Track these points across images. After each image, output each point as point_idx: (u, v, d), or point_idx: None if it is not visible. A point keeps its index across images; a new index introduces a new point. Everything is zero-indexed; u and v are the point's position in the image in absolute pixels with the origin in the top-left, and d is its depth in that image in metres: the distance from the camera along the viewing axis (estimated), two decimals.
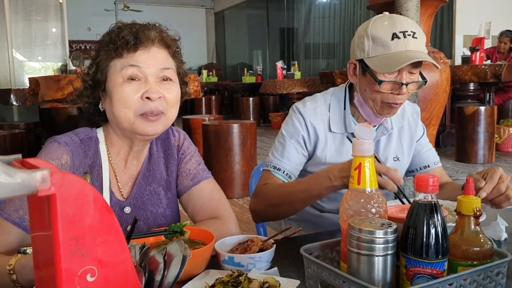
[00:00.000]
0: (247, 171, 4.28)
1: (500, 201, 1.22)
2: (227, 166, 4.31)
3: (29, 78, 4.29)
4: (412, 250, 0.79)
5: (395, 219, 0.85)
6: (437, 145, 5.98)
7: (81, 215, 0.56)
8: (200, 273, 0.97)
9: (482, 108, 5.42)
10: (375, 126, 1.47)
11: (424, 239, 0.78)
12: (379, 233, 0.77)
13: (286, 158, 1.45)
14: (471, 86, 6.63)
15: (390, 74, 1.32)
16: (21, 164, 0.58)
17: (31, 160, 0.59)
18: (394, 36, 1.29)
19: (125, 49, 1.11)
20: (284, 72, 9.33)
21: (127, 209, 1.19)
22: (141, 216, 1.20)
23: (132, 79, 1.10)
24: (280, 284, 0.88)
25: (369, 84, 1.36)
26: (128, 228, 1.12)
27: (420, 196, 0.80)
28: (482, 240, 0.83)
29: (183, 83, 1.23)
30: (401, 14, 3.47)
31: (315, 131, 1.46)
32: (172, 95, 1.15)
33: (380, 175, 1.10)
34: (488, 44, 6.96)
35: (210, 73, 12.75)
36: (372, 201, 0.85)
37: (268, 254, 1.00)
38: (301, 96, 8.44)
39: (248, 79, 11.16)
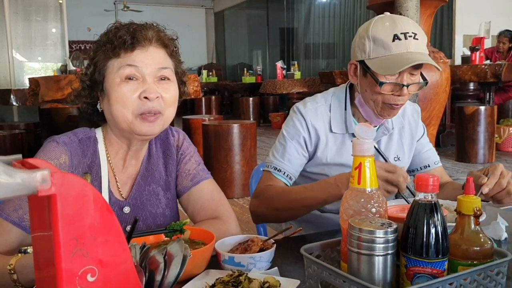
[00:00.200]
0: (247, 171, 4.28)
1: (502, 197, 1.23)
2: (227, 166, 4.31)
3: (29, 79, 4.28)
4: (412, 250, 0.79)
5: (395, 219, 0.85)
6: (437, 145, 5.97)
7: (81, 215, 0.56)
8: (200, 273, 0.97)
9: (482, 108, 5.42)
10: (376, 126, 1.47)
11: (424, 239, 0.78)
12: (380, 233, 0.77)
13: (287, 159, 1.45)
14: (471, 85, 6.64)
15: (391, 75, 1.31)
16: (21, 164, 0.58)
17: (31, 160, 0.59)
18: (395, 37, 1.29)
19: (123, 49, 1.11)
20: (284, 72, 9.33)
21: (126, 209, 1.19)
22: (140, 216, 1.20)
23: (130, 78, 1.10)
24: (280, 284, 0.89)
25: (370, 85, 1.36)
26: (128, 228, 1.12)
27: (420, 196, 0.80)
28: (482, 240, 0.83)
29: (181, 83, 1.23)
30: (401, 14, 3.47)
31: (316, 132, 1.46)
32: (170, 94, 1.14)
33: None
34: (488, 44, 6.96)
35: (210, 73, 12.75)
36: (372, 201, 0.85)
37: (268, 254, 1.00)
38: (301, 96, 8.45)
39: (248, 79, 11.16)
